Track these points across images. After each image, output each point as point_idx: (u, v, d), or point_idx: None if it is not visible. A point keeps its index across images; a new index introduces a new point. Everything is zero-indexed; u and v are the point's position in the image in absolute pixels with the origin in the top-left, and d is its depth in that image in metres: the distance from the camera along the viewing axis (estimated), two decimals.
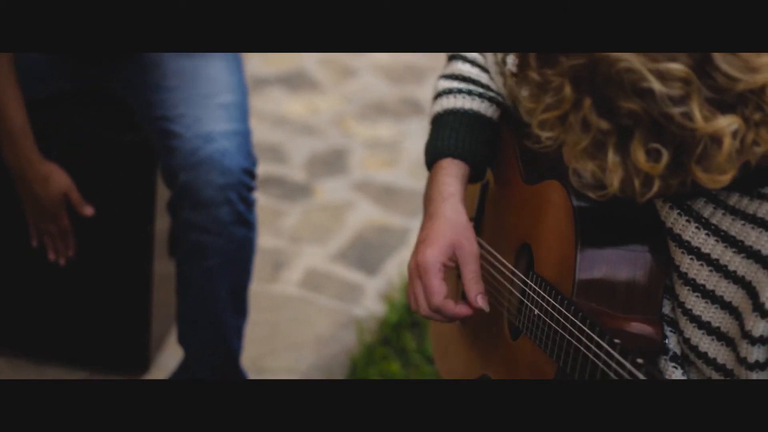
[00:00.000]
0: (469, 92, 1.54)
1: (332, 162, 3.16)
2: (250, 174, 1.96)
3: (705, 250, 1.24)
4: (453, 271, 1.51)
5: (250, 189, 1.97)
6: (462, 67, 1.56)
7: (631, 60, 1.06)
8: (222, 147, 1.92)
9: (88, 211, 2.03)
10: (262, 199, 2.94)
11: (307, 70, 3.66)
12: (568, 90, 1.11)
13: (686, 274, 1.27)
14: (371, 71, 3.69)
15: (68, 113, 2.11)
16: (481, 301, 1.43)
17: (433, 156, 1.53)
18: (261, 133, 3.26)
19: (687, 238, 1.26)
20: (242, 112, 2.04)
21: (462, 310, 1.43)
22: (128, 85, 2.06)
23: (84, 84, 2.11)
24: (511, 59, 1.22)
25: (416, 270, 1.44)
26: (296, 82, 3.57)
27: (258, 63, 3.66)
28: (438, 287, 1.42)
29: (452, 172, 1.50)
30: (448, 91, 1.55)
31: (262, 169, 3.08)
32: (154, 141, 2.01)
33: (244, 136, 2.00)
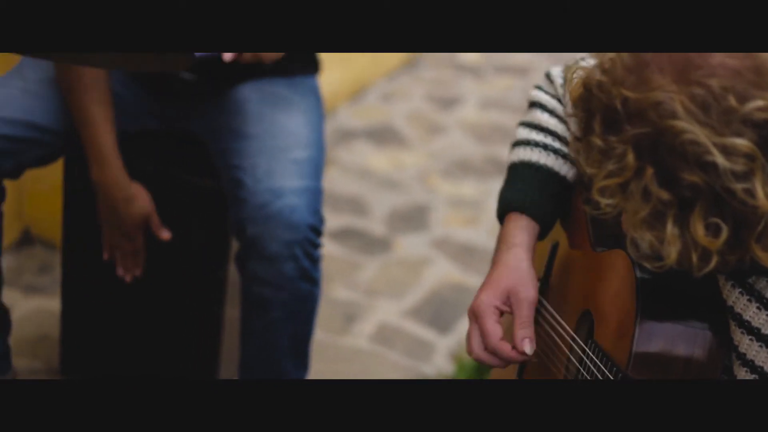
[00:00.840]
0: (545, 147, 1.53)
1: (413, 217, 3.16)
2: (317, 231, 1.97)
3: (765, 331, 1.20)
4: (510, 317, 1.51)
5: (316, 246, 1.98)
6: (541, 117, 1.55)
7: (696, 132, 1.05)
8: (291, 203, 1.94)
9: (166, 235, 2.07)
10: (340, 250, 2.96)
11: (395, 124, 3.68)
12: (631, 158, 1.10)
13: (745, 354, 1.23)
14: (458, 129, 3.70)
15: (153, 151, 2.16)
16: (527, 346, 1.41)
17: (503, 207, 1.53)
18: (344, 184, 3.29)
19: (747, 318, 1.22)
20: (316, 168, 2.05)
21: (516, 354, 1.42)
22: (209, 129, 2.10)
23: (169, 124, 2.15)
24: (574, 123, 1.21)
25: (472, 313, 1.44)
26: (383, 136, 3.59)
27: (347, 115, 3.70)
28: (492, 328, 1.41)
29: (520, 225, 1.50)
30: (526, 143, 1.55)
31: (343, 220, 3.11)
32: (226, 189, 2.04)
33: (314, 193, 2.01)
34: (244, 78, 2.09)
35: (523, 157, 1.54)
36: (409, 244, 3.04)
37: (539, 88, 1.57)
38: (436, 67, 4.22)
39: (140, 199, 2.03)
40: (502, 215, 1.53)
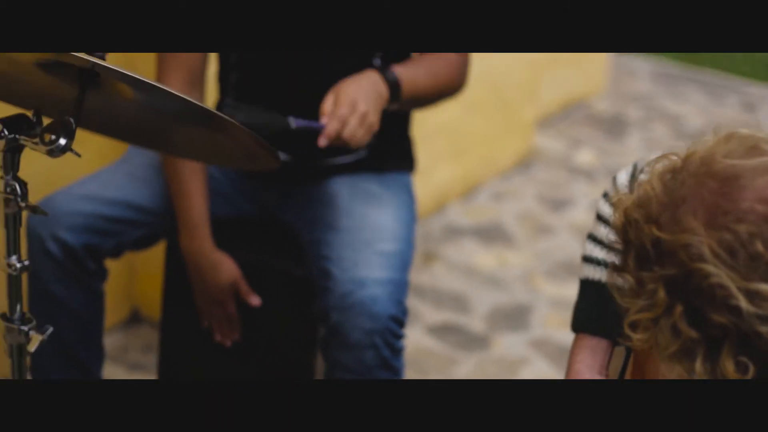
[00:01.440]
0: (606, 264, 1.53)
1: (514, 316, 3.16)
2: (399, 322, 2.00)
3: None
4: None
5: (398, 336, 2.00)
6: (603, 232, 1.56)
7: (723, 276, 1.08)
8: (373, 293, 1.98)
9: (255, 300, 2.14)
10: (438, 345, 2.98)
11: (504, 223, 3.70)
12: (661, 295, 1.13)
13: None
14: (567, 230, 3.70)
15: (246, 237, 2.23)
16: None
17: (573, 326, 1.54)
18: (449, 281, 3.32)
19: None
20: (402, 261, 2.08)
21: None
22: (300, 219, 2.17)
23: (263, 210, 2.24)
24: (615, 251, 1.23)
25: None
26: (491, 235, 3.62)
27: (457, 212, 3.74)
28: None
29: (584, 344, 1.52)
30: (589, 259, 1.56)
31: (444, 315, 3.13)
32: (314, 278, 2.09)
33: (398, 285, 2.03)
34: (336, 172, 2.16)
35: (587, 274, 1.55)
36: (508, 343, 3.03)
37: (605, 196, 1.58)
38: (549, 168, 4.24)
39: (226, 267, 2.11)
40: (575, 331, 1.56)
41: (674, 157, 1.21)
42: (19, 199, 1.38)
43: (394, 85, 1.97)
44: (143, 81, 1.33)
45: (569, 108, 4.86)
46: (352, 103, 1.88)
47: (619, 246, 1.21)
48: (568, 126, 4.71)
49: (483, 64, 3.65)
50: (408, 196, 2.23)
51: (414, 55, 2.09)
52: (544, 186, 4.08)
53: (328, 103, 1.89)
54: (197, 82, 2.09)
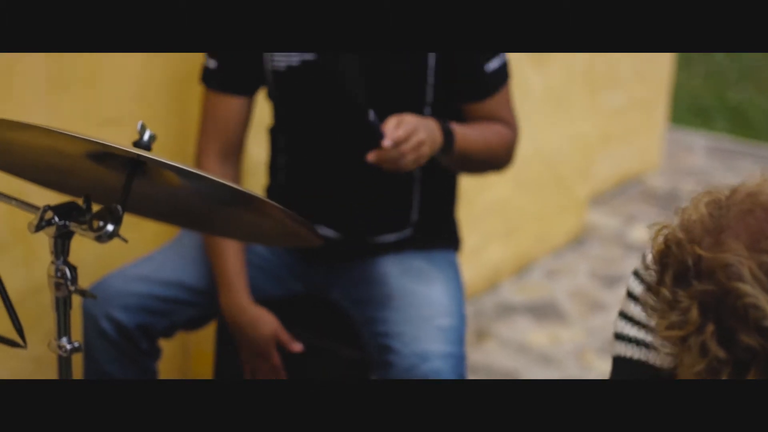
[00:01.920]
0: (638, 342, 1.55)
1: None
2: None
3: None
4: None
5: None
6: (634, 310, 1.57)
7: (759, 297, 1.10)
8: (436, 367, 2.01)
9: (297, 347, 2.17)
10: None
11: (557, 300, 3.71)
12: (694, 313, 1.15)
13: None
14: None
15: (297, 318, 2.28)
16: None
17: None
18: (501, 358, 3.33)
19: None
20: (458, 336, 2.12)
21: None
22: (351, 298, 2.22)
23: (312, 288, 2.28)
24: (650, 275, 1.26)
25: None
26: (543, 312, 3.62)
27: (510, 290, 3.76)
28: None
29: None
30: (622, 337, 1.57)
31: None
32: (372, 354, 2.13)
33: (458, 359, 2.08)
34: (383, 250, 2.21)
35: (619, 351, 1.57)
36: None
37: (636, 274, 1.60)
38: (603, 245, 4.24)
39: (265, 320, 2.15)
40: None
41: (718, 193, 1.25)
42: (69, 283, 1.45)
43: (448, 135, 2.03)
44: (187, 170, 1.40)
45: (624, 184, 4.87)
46: (413, 129, 1.93)
47: (656, 268, 1.23)
48: (623, 202, 4.72)
49: (536, 141, 3.70)
50: (455, 272, 2.27)
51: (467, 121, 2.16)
52: (597, 262, 4.08)
53: (390, 124, 1.94)
54: (233, 152, 2.18)
